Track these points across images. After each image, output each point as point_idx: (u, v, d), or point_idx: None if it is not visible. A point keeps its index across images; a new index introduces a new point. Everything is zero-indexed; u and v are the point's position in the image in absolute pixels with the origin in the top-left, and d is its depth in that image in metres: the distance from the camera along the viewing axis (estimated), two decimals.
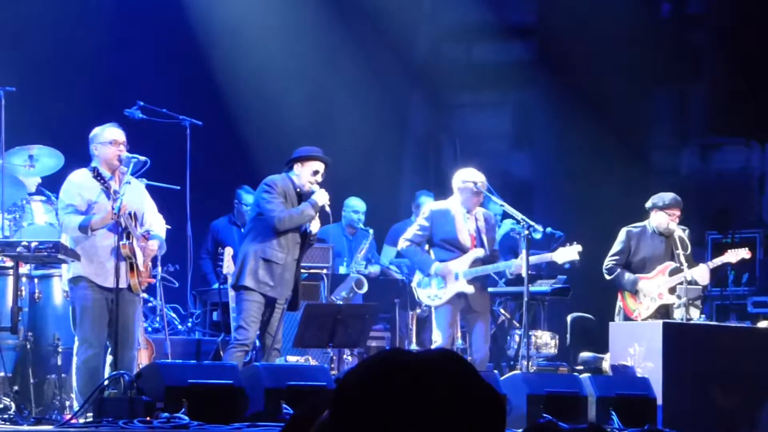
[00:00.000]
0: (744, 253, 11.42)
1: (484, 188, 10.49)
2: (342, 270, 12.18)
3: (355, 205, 12.72)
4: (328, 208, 9.68)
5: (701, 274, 11.05)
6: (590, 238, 12.88)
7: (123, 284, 8.76)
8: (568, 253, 10.69)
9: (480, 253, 10.44)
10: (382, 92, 14.51)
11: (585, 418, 9.19)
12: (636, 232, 11.27)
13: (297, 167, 9.68)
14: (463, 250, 10.42)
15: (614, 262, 11.22)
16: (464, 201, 10.45)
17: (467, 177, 10.48)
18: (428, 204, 10.81)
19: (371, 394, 2.02)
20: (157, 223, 9.23)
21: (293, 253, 9.64)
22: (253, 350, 9.72)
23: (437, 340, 10.31)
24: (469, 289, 10.36)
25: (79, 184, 8.92)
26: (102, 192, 8.86)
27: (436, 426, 2.00)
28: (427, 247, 10.55)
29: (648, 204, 11.22)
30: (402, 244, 10.61)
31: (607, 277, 11.24)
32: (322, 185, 9.69)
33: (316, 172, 9.66)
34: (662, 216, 11.15)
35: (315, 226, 9.70)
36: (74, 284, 8.88)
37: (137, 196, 9.12)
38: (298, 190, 9.65)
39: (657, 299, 11.08)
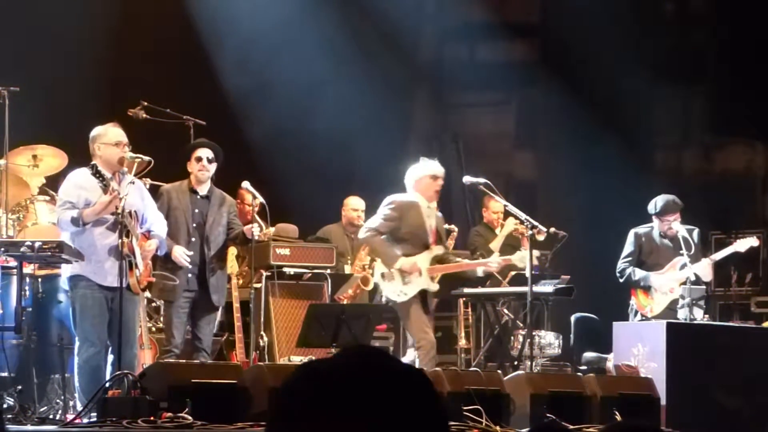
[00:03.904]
0: (753, 241, 11.41)
1: (442, 179, 10.31)
2: (347, 269, 12.18)
3: (355, 203, 12.71)
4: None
5: (703, 269, 11.06)
6: (593, 238, 12.90)
7: (122, 283, 8.74)
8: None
9: (440, 250, 10.35)
10: (385, 92, 14.51)
11: (588, 418, 9.19)
12: (643, 233, 11.30)
13: None
14: (426, 246, 10.28)
15: (626, 264, 11.26)
16: (425, 192, 10.24)
17: (426, 168, 10.29)
18: (394, 195, 10.35)
19: (287, 402, 2.06)
20: (157, 223, 9.24)
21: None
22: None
23: (423, 343, 10.04)
24: (434, 287, 10.26)
25: (79, 183, 8.92)
26: (101, 192, 8.84)
27: (348, 425, 2.02)
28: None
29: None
30: (366, 233, 10.31)
31: (621, 280, 11.26)
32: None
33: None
34: (659, 222, 11.20)
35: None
36: (73, 283, 8.87)
37: (137, 196, 9.12)
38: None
39: (668, 293, 11.11)
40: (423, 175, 10.29)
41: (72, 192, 8.89)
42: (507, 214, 12.08)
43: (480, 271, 10.94)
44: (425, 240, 10.27)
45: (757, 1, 14.72)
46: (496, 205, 12.25)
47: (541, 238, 10.76)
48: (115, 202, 8.71)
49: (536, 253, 10.61)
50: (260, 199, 10.40)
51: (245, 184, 10.76)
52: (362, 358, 2.07)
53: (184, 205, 9.90)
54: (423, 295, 10.23)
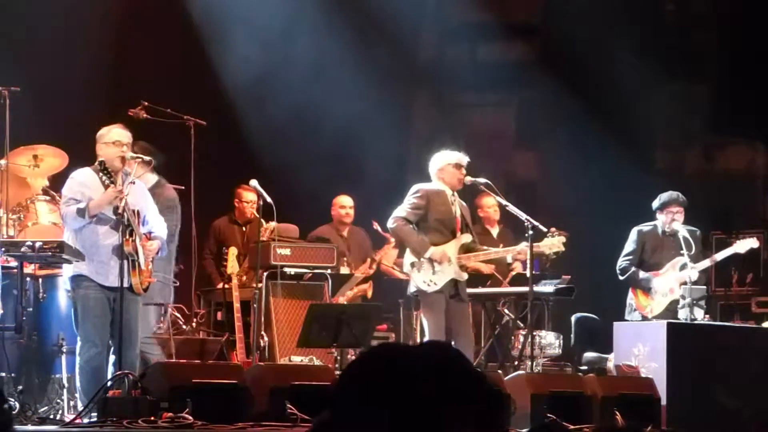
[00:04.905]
0: (753, 242, 11.41)
1: (465, 166, 10.26)
2: (343, 270, 12.17)
3: (343, 201, 12.71)
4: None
5: (692, 274, 11.07)
6: (594, 238, 12.89)
7: (125, 283, 8.74)
8: (553, 244, 10.53)
9: (468, 238, 10.31)
10: (385, 92, 14.50)
11: (589, 418, 9.19)
12: (646, 231, 11.30)
13: None
14: (453, 234, 10.24)
15: (628, 262, 11.25)
16: (448, 180, 10.23)
17: (448, 157, 10.27)
18: (419, 184, 10.34)
19: (372, 386, 2.04)
20: (158, 225, 9.24)
21: None
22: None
23: (435, 332, 9.96)
24: (463, 276, 10.22)
25: (82, 181, 8.93)
26: (104, 190, 8.84)
27: (432, 410, 2.01)
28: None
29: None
30: (394, 223, 10.23)
31: (621, 278, 11.26)
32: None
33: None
34: (663, 216, 11.19)
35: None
36: (75, 282, 8.87)
37: (140, 196, 9.12)
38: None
39: (668, 294, 11.11)
40: (446, 164, 10.29)
41: (75, 189, 8.91)
42: (504, 212, 12.08)
43: (510, 258, 10.93)
44: (452, 228, 10.23)
45: (757, 1, 14.73)
46: (489, 200, 12.26)
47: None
48: (117, 200, 8.70)
49: (562, 238, 10.54)
50: (268, 198, 10.44)
51: (253, 182, 10.78)
52: (442, 352, 2.05)
53: None
54: (454, 287, 10.15)
